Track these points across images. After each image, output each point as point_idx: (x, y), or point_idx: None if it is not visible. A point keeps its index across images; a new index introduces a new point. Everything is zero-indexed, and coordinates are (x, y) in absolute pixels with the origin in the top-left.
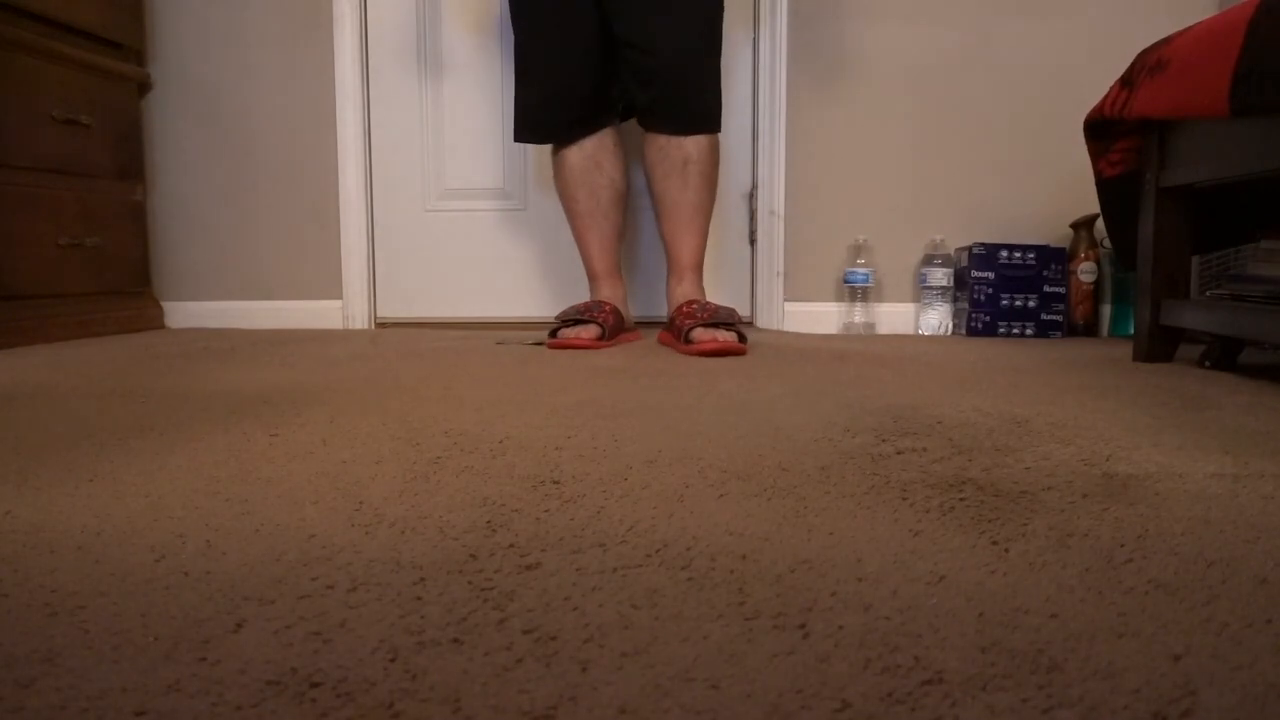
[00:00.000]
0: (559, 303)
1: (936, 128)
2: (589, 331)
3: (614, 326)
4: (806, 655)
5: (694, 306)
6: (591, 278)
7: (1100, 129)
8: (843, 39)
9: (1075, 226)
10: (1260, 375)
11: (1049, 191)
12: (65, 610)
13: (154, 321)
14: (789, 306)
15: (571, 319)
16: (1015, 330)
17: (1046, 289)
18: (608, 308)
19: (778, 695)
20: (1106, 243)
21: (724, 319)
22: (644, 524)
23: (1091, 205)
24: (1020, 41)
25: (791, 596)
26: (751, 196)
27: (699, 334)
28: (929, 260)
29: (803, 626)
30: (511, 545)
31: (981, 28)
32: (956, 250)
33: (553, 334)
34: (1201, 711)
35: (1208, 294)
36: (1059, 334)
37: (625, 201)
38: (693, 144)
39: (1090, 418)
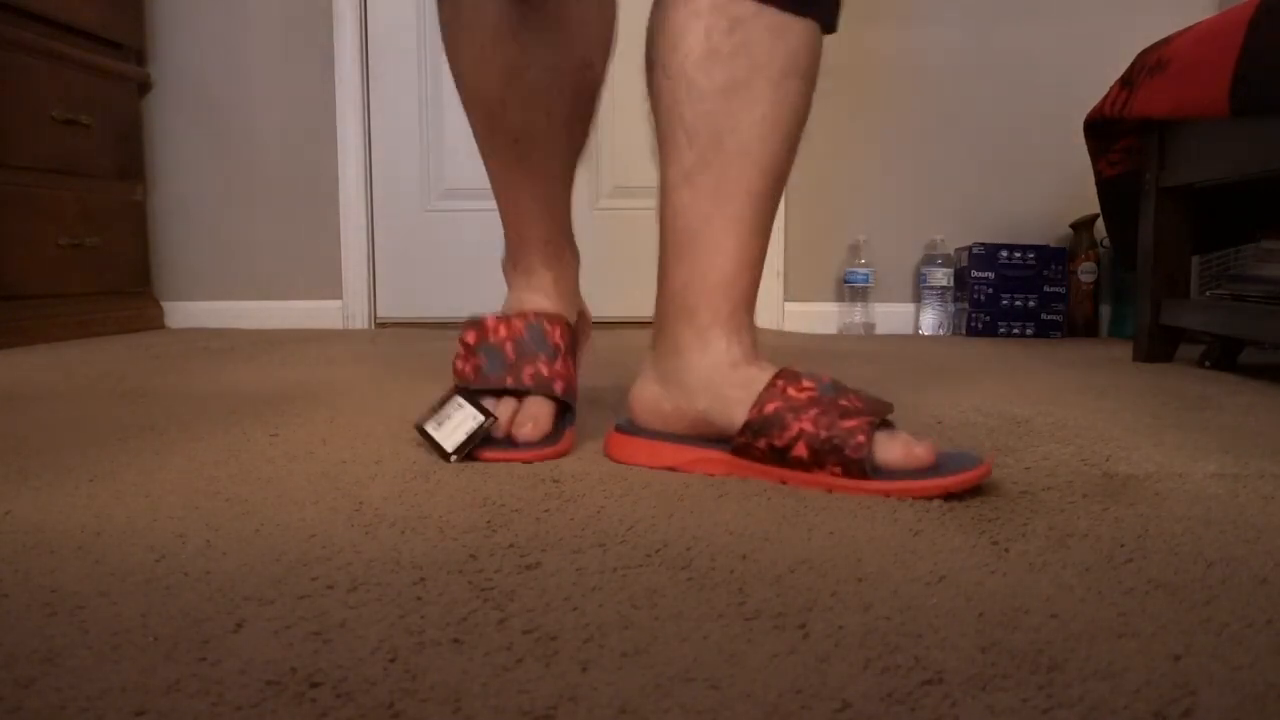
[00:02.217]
0: None
1: (936, 128)
2: (536, 413)
3: (567, 384)
4: (806, 655)
5: (812, 389)
6: (519, 248)
7: (1100, 129)
8: (843, 39)
9: (1075, 226)
10: (1260, 375)
11: (1049, 191)
12: (65, 610)
13: (154, 321)
14: (789, 306)
15: (483, 390)
16: (1015, 330)
17: (1046, 289)
18: (558, 332)
19: (778, 695)
20: (1106, 243)
21: (880, 410)
22: (644, 524)
23: (1091, 205)
24: (1020, 41)
25: (791, 596)
26: None
27: (898, 451)
28: (929, 260)
29: (803, 626)
30: (511, 545)
31: (981, 28)
32: (956, 250)
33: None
34: (1201, 711)
35: (1208, 294)
36: (1059, 334)
37: (599, 98)
38: (805, 35)
39: (1090, 418)
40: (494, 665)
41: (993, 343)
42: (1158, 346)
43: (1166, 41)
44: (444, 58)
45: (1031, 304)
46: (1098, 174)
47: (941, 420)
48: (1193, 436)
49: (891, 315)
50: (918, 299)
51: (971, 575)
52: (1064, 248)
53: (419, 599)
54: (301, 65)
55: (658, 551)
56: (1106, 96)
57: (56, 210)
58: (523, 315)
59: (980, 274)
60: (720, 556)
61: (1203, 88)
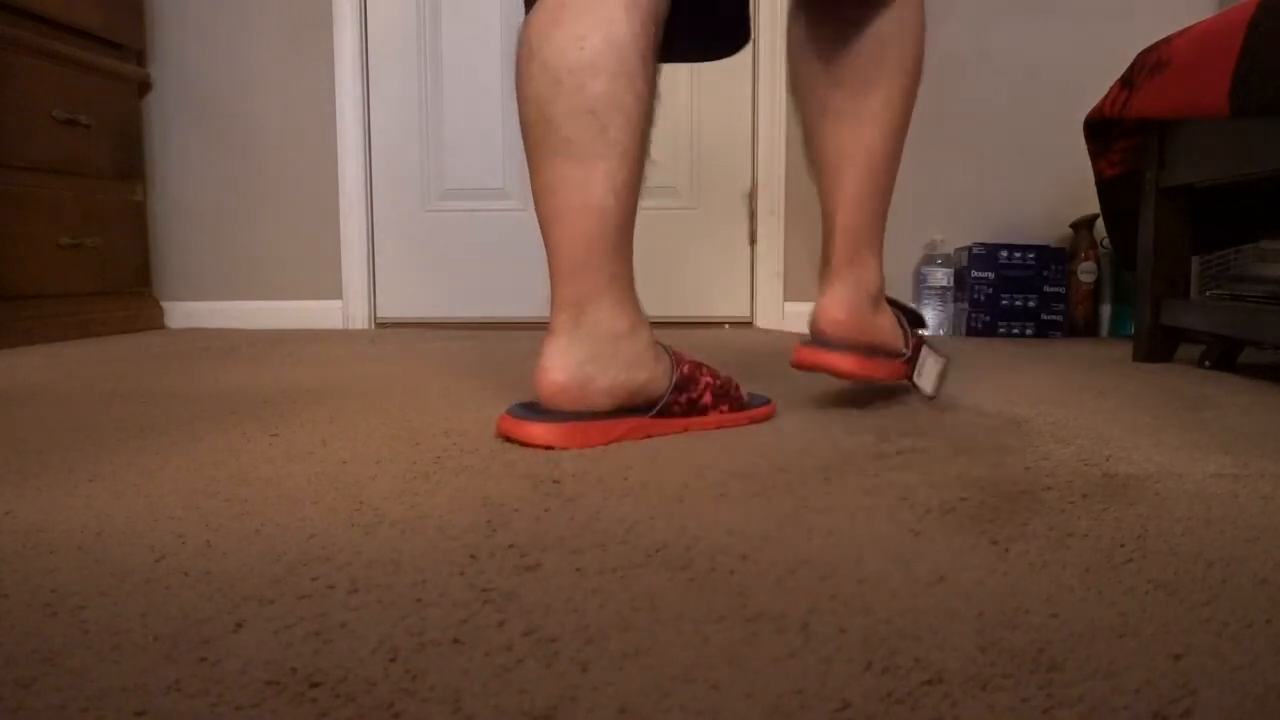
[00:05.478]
0: None
1: (936, 128)
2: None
3: None
4: (808, 657)
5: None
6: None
7: (1100, 129)
8: None
9: (1075, 226)
10: (1260, 375)
11: (1049, 191)
12: (65, 610)
13: (154, 321)
14: (789, 306)
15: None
16: (1015, 330)
17: (1046, 289)
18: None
19: (778, 696)
20: (1106, 243)
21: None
22: (644, 524)
23: (1091, 205)
24: (1020, 41)
25: (792, 598)
26: (751, 196)
27: None
28: (929, 260)
29: (804, 628)
30: (511, 545)
31: (981, 27)
32: (956, 250)
33: None
34: (1201, 711)
35: (1208, 294)
36: (1059, 334)
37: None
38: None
39: (1090, 418)
40: (494, 666)
41: (993, 343)
42: (1158, 346)
43: (1166, 41)
44: (444, 57)
45: (1031, 304)
46: (1098, 174)
47: (942, 420)
48: (1193, 436)
49: None
50: (918, 299)
51: (971, 575)
52: (1064, 248)
53: (419, 599)
54: (301, 65)
55: (658, 552)
56: (1106, 96)
57: (56, 210)
58: None
59: (980, 274)
60: (720, 557)
61: (1202, 88)
